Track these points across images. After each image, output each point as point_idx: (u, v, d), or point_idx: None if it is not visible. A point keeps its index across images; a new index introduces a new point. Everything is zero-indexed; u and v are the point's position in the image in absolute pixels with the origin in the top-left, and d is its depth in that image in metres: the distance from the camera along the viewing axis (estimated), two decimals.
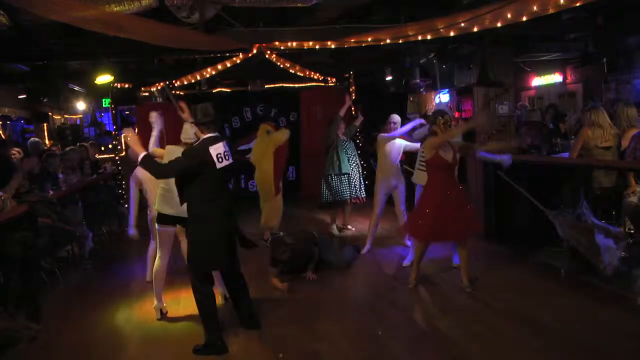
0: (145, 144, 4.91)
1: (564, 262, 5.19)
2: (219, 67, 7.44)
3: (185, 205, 3.91)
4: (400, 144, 6.10)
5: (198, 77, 8.14)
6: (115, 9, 5.37)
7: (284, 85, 10.61)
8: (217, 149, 3.79)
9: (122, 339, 4.30)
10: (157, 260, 4.55)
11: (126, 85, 9.31)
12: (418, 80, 12.92)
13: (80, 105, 13.38)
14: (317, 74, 8.93)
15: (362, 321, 4.34)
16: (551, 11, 4.65)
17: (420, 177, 5.35)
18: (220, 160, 3.80)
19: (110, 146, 9.47)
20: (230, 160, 3.91)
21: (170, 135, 5.24)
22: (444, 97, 13.61)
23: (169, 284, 4.83)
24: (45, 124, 11.20)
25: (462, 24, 5.13)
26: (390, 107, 11.11)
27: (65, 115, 13.19)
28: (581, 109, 6.84)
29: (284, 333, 4.14)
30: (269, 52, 6.94)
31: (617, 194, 5.01)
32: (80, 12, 4.71)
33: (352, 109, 7.76)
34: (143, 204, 5.35)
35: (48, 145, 9.27)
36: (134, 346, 4.14)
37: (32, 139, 8.90)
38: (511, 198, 5.98)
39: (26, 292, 4.61)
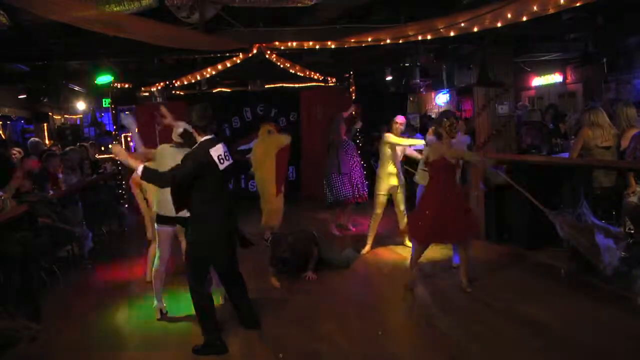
0: (145, 145, 4.95)
1: (564, 262, 5.19)
2: (219, 67, 7.45)
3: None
4: (403, 148, 6.15)
5: (198, 77, 8.15)
6: (115, 9, 5.37)
7: (284, 85, 10.61)
8: (217, 151, 3.79)
9: (122, 339, 4.30)
10: (156, 260, 4.55)
11: (126, 85, 9.31)
12: (418, 80, 12.95)
13: (80, 105, 13.39)
14: (317, 74, 8.94)
15: (362, 321, 4.34)
16: (551, 11, 4.65)
17: (422, 177, 5.36)
18: (221, 161, 3.80)
19: (110, 146, 9.47)
20: (231, 161, 3.91)
21: (163, 135, 5.24)
22: (443, 97, 13.64)
23: (169, 284, 4.83)
24: (45, 124, 11.21)
25: (462, 24, 5.13)
26: (390, 107, 11.15)
27: (65, 115, 13.20)
28: (581, 109, 6.83)
29: (284, 333, 4.14)
30: (269, 52, 6.94)
31: (617, 194, 5.00)
32: (80, 12, 4.71)
33: (354, 114, 7.79)
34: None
35: (48, 145, 9.27)
36: (134, 346, 4.14)
37: (32, 139, 8.90)
38: (511, 198, 5.99)
39: (26, 292, 4.61)
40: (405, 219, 6.26)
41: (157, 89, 9.59)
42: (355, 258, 5.97)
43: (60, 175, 6.74)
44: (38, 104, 10.38)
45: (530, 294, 4.69)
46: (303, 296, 5.00)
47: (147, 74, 9.76)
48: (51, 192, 6.03)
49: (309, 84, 10.07)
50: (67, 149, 7.99)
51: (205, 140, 3.82)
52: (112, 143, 9.62)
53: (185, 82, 8.48)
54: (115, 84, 8.73)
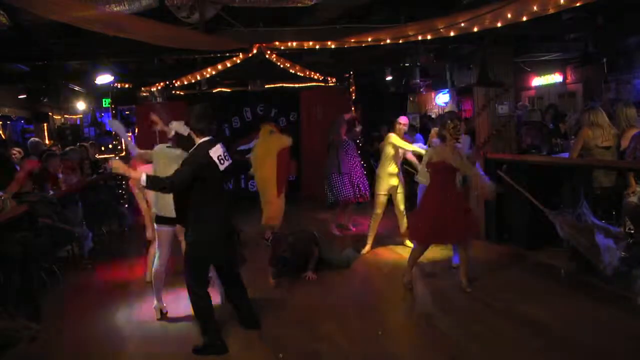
0: (145, 145, 4.95)
1: (564, 262, 5.20)
2: (219, 67, 7.45)
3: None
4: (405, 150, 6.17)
5: (198, 77, 8.15)
6: (115, 9, 5.37)
7: (284, 85, 10.61)
8: (216, 152, 3.79)
9: (122, 339, 4.29)
10: (155, 260, 4.55)
11: (126, 85, 9.31)
12: (418, 80, 12.94)
13: (80, 105, 13.39)
14: (317, 74, 8.94)
15: (362, 321, 4.34)
16: (551, 11, 4.65)
17: (424, 177, 5.36)
18: (221, 162, 3.81)
19: (110, 146, 9.48)
20: (230, 161, 3.92)
21: (163, 135, 5.25)
22: (444, 97, 13.63)
23: (169, 284, 4.83)
24: (45, 124, 11.21)
25: (462, 24, 5.14)
26: (390, 107, 11.15)
27: (65, 115, 13.20)
28: (581, 109, 6.83)
29: (284, 333, 4.14)
30: (269, 52, 6.94)
31: (617, 194, 5.00)
32: (80, 12, 4.71)
33: (354, 118, 7.82)
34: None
35: (48, 145, 9.27)
36: (134, 346, 4.14)
37: (32, 139, 8.89)
38: (511, 198, 5.99)
39: (26, 292, 4.60)
40: (405, 219, 6.27)
41: (157, 89, 9.60)
42: (355, 258, 5.98)
43: (60, 175, 6.74)
44: (38, 104, 10.38)
45: (530, 294, 4.69)
46: (303, 296, 5.00)
47: (147, 74, 9.77)
48: (51, 192, 6.02)
49: (309, 84, 10.08)
50: (67, 149, 7.99)
51: (204, 141, 3.82)
52: (111, 143, 9.64)
53: (185, 82, 8.49)
54: (115, 84, 8.73)
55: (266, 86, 10.62)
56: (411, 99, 14.48)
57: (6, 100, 10.05)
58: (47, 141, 10.44)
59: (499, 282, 5.05)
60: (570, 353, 3.61)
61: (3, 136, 9.97)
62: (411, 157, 6.34)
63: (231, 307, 4.29)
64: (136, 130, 10.01)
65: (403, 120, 6.19)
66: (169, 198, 4.19)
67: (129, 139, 4.92)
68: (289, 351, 3.83)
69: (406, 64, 10.75)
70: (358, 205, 7.37)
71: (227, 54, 7.14)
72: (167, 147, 4.46)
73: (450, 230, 4.69)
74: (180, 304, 4.75)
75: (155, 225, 4.54)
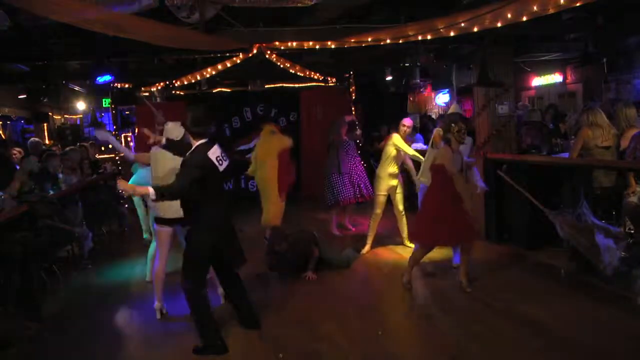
0: (146, 145, 4.96)
1: (564, 262, 5.20)
2: (219, 67, 7.45)
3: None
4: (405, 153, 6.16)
5: (198, 77, 8.15)
6: (115, 9, 5.37)
7: (284, 85, 10.62)
8: (214, 153, 3.81)
9: (122, 339, 4.30)
10: (156, 260, 4.55)
11: (126, 85, 9.30)
12: (418, 80, 12.93)
13: (80, 105, 13.39)
14: (317, 74, 8.94)
15: (362, 321, 4.34)
16: (551, 11, 4.65)
17: (426, 177, 5.35)
18: (220, 163, 3.82)
19: (110, 146, 9.46)
20: (228, 161, 3.92)
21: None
22: (444, 97, 13.62)
23: (169, 284, 4.83)
24: (45, 124, 11.23)
25: (462, 24, 5.13)
26: (390, 107, 11.13)
27: (65, 115, 13.21)
28: (581, 109, 6.83)
29: (284, 333, 4.14)
30: (269, 52, 6.94)
31: (617, 194, 5.00)
32: (80, 12, 4.71)
33: (355, 121, 7.83)
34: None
35: (48, 145, 9.27)
36: (134, 346, 4.15)
37: (32, 139, 8.89)
38: (511, 198, 5.99)
39: (26, 292, 4.61)
40: (404, 219, 6.27)
41: (157, 89, 9.60)
42: (355, 258, 5.98)
43: (60, 175, 6.74)
44: (38, 104, 10.39)
45: (530, 294, 4.69)
46: (303, 296, 5.00)
47: (147, 74, 9.75)
48: (51, 192, 6.02)
49: (309, 84, 10.08)
50: (67, 149, 7.98)
51: (201, 144, 3.83)
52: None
53: (185, 82, 8.49)
54: (115, 84, 8.72)
55: (266, 86, 10.62)
56: (411, 99, 14.46)
57: (6, 100, 10.05)
58: (47, 141, 10.46)
59: (499, 282, 5.05)
60: (570, 353, 3.61)
61: (3, 136, 9.97)
62: (408, 162, 6.33)
63: (231, 307, 4.29)
64: (136, 131, 10.01)
65: (407, 122, 6.18)
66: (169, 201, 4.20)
67: (122, 145, 4.96)
68: (289, 351, 3.83)
69: (406, 64, 10.75)
70: (358, 205, 7.37)
71: (227, 54, 7.14)
72: (162, 149, 4.47)
73: (451, 231, 4.68)
74: (180, 304, 4.75)
75: (155, 225, 4.55)
